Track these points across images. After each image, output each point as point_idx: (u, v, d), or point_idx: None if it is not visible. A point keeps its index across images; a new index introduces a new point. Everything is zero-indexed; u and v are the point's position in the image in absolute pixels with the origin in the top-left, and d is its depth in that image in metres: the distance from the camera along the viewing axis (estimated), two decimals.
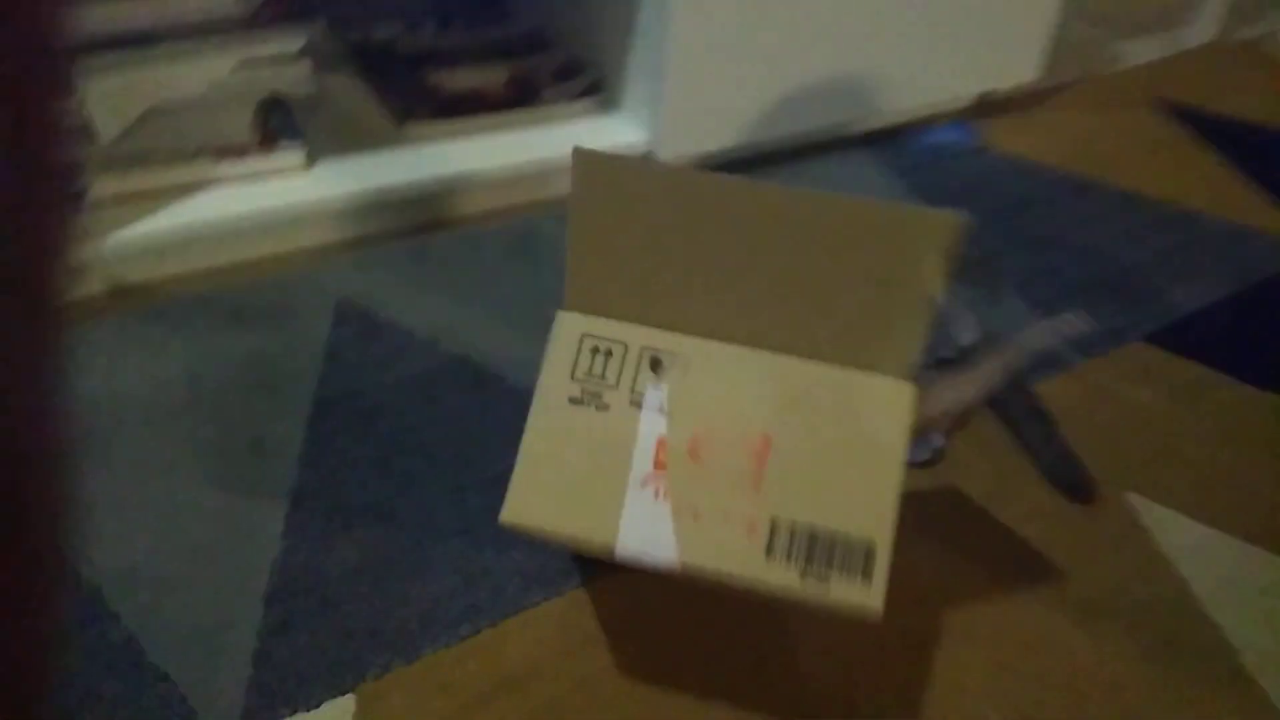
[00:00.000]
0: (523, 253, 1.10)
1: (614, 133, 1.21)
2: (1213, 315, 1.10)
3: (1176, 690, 0.69)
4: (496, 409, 0.88)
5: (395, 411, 0.86)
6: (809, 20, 1.21)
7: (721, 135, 1.23)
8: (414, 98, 1.20)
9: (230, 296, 0.98)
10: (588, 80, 1.26)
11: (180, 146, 0.99)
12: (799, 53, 1.24)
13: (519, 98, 1.24)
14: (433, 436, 0.84)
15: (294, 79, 1.00)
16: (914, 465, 0.85)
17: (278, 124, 1.04)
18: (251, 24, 0.96)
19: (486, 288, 1.04)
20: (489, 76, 1.27)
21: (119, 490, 0.76)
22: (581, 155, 0.58)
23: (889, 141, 1.41)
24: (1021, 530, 0.81)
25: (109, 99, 0.91)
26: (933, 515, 0.82)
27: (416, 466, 0.81)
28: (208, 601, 0.69)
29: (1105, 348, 1.03)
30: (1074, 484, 0.84)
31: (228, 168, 1.01)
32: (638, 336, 0.59)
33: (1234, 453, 0.91)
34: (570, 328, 0.62)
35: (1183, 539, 0.82)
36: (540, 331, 0.97)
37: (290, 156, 1.03)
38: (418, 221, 1.11)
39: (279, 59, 0.99)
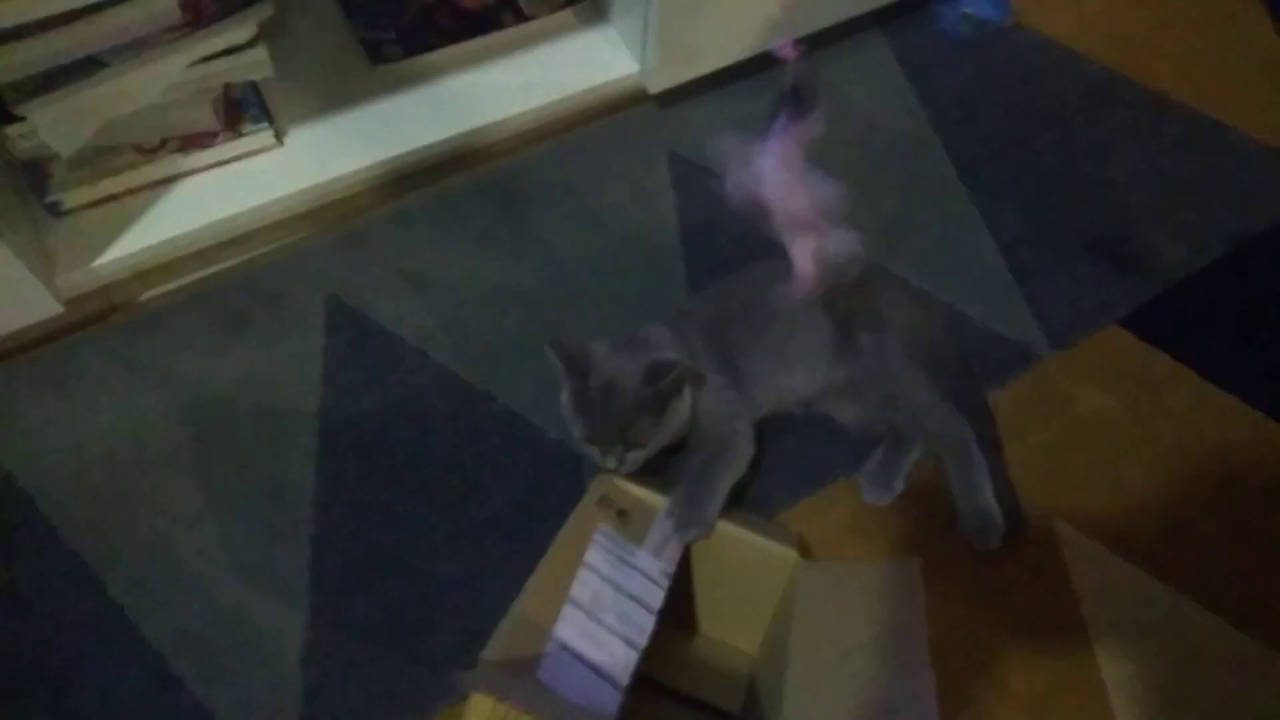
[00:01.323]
0: (507, 211, 1.08)
1: (602, 57, 1.12)
2: (1199, 286, 1.09)
3: None
4: (485, 438, 0.95)
5: (394, 443, 0.94)
6: None
7: (719, 52, 1.13)
8: (384, 19, 1.09)
9: (219, 298, 1.00)
10: None
11: (143, 141, 0.95)
12: None
13: (497, 6, 1.12)
14: (430, 474, 0.93)
15: (250, 66, 0.93)
16: None
17: (244, 105, 0.98)
18: (198, 24, 0.87)
19: (470, 269, 1.04)
20: None
21: (154, 545, 0.87)
22: None
23: (908, 20, 1.27)
24: (952, 561, 0.92)
25: (61, 122, 0.86)
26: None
27: (419, 512, 0.91)
28: (253, 664, 0.83)
29: (1080, 334, 1.05)
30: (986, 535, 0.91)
31: (196, 158, 0.98)
32: None
33: (1172, 475, 0.98)
34: None
35: (1094, 573, 0.92)
36: (524, 330, 1.00)
37: (259, 137, 0.99)
38: (397, 177, 1.08)
39: (232, 50, 0.91)
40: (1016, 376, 1.02)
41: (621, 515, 0.80)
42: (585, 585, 0.72)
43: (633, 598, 0.73)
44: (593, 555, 0.75)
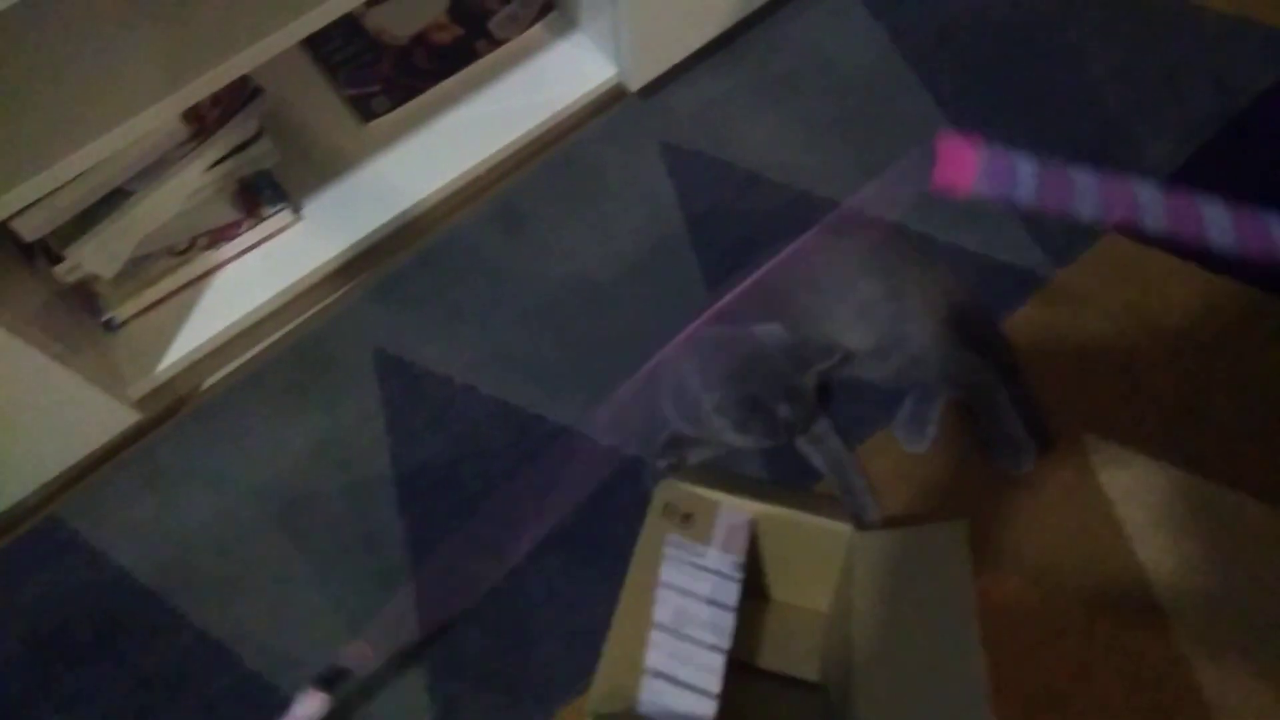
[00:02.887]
0: (517, 233, 1.13)
1: (580, 65, 1.15)
2: (1187, 177, 1.13)
3: (1105, 631, 0.93)
4: (545, 457, 1.02)
5: (465, 477, 1.02)
6: None
7: (691, 37, 1.16)
8: (365, 72, 1.13)
9: (275, 372, 1.07)
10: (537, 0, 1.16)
11: (175, 245, 1.01)
12: None
13: (469, 35, 1.15)
14: (502, 500, 1.01)
15: (258, 158, 0.98)
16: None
17: (258, 190, 1.03)
18: (204, 133, 0.92)
19: (497, 296, 1.10)
20: (429, 6, 1.16)
21: (273, 613, 0.97)
22: None
23: None
24: (991, 490, 0.99)
25: (101, 250, 0.92)
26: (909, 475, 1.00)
27: (500, 538, 0.99)
28: (386, 700, 0.93)
29: (1079, 250, 1.10)
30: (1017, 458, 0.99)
31: (226, 249, 1.03)
32: None
33: (1185, 367, 1.04)
34: None
35: (1124, 476, 0.99)
36: (558, 347, 1.06)
37: (279, 218, 1.04)
38: (410, 223, 1.13)
39: (240, 147, 0.96)
40: (1025, 300, 1.08)
41: (686, 519, 0.88)
42: (666, 605, 0.80)
43: (711, 602, 0.81)
44: (667, 571, 0.82)
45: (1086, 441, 1.01)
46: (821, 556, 0.90)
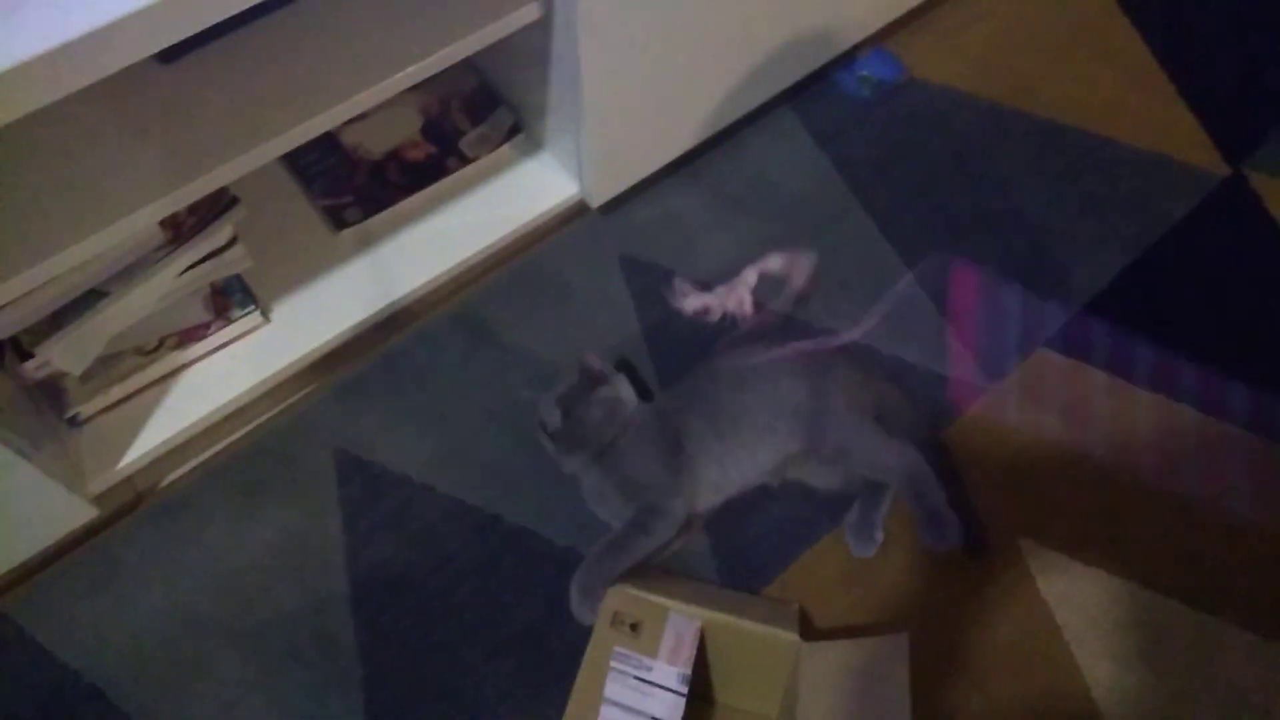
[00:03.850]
0: (482, 338, 1.18)
1: (544, 183, 1.22)
2: (1111, 297, 1.21)
3: None
4: (501, 557, 1.04)
5: (420, 577, 1.03)
6: (711, 11, 1.14)
7: (649, 159, 1.24)
8: (340, 184, 1.19)
9: (235, 470, 1.08)
10: (506, 122, 1.24)
11: (143, 344, 1.04)
12: (711, 46, 1.19)
13: (440, 153, 1.22)
14: (457, 600, 1.02)
15: (232, 263, 1.02)
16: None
17: (229, 293, 1.07)
18: (180, 239, 0.96)
19: (458, 398, 1.13)
20: (404, 125, 1.24)
21: (221, 714, 0.96)
22: None
23: (813, 92, 1.38)
24: (935, 595, 1.02)
25: (72, 348, 0.95)
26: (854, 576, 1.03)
27: (452, 636, 1.00)
28: None
29: (1011, 363, 1.17)
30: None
31: (193, 350, 1.06)
32: None
33: (1113, 477, 1.09)
34: None
35: (1061, 582, 1.03)
36: (517, 448, 1.09)
37: (248, 320, 1.08)
38: (377, 327, 1.17)
39: (214, 253, 1.00)
40: (962, 412, 1.13)
41: (634, 629, 0.90)
42: None
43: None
44: (612, 688, 0.84)
45: (1023, 547, 1.05)
46: (769, 664, 0.91)
